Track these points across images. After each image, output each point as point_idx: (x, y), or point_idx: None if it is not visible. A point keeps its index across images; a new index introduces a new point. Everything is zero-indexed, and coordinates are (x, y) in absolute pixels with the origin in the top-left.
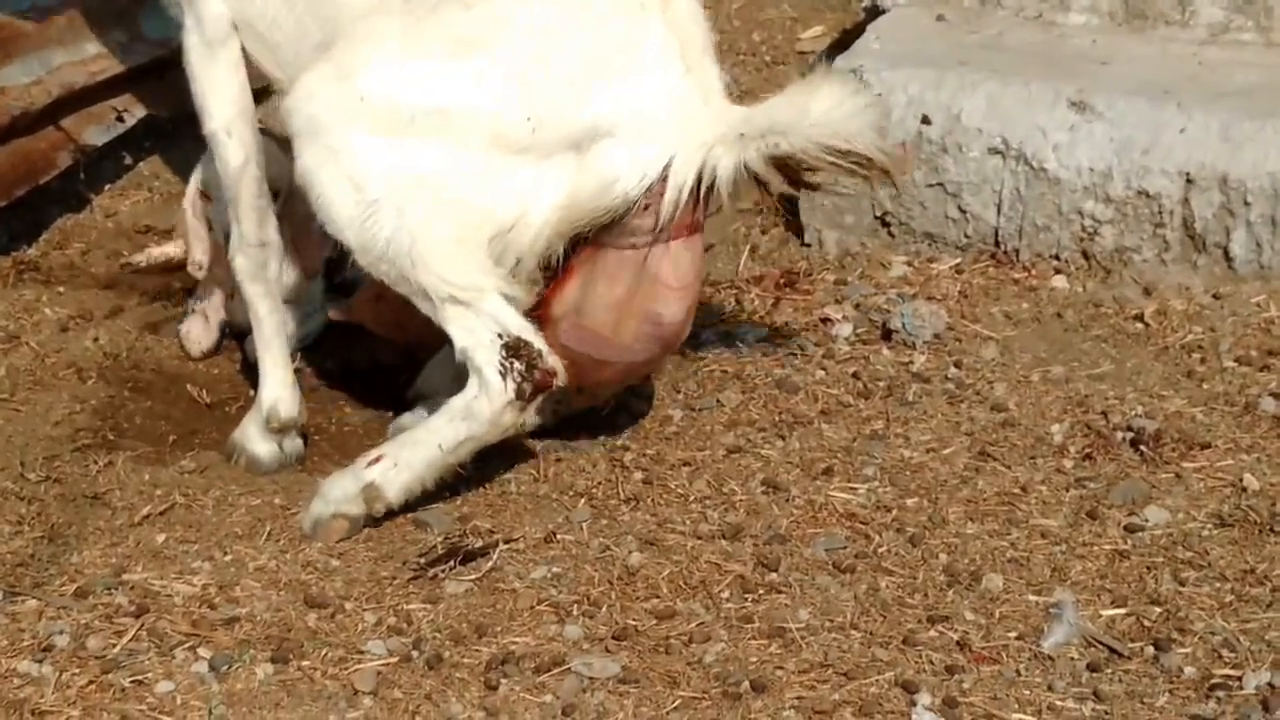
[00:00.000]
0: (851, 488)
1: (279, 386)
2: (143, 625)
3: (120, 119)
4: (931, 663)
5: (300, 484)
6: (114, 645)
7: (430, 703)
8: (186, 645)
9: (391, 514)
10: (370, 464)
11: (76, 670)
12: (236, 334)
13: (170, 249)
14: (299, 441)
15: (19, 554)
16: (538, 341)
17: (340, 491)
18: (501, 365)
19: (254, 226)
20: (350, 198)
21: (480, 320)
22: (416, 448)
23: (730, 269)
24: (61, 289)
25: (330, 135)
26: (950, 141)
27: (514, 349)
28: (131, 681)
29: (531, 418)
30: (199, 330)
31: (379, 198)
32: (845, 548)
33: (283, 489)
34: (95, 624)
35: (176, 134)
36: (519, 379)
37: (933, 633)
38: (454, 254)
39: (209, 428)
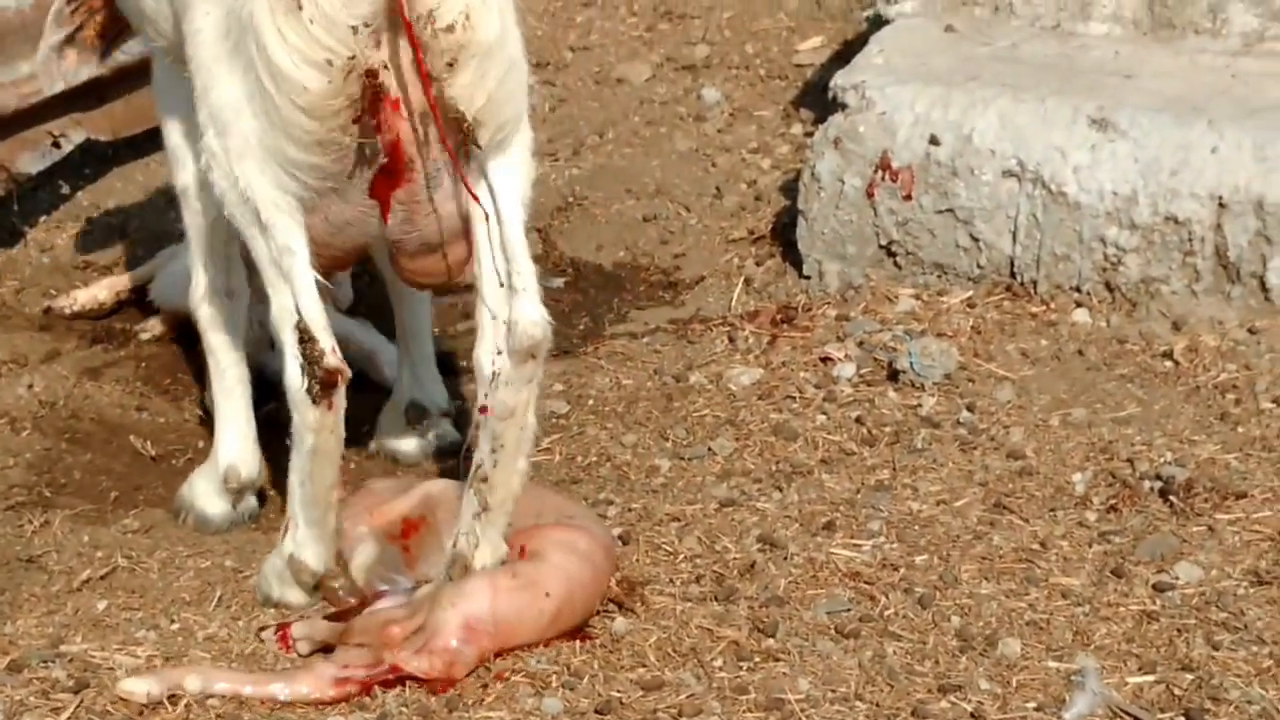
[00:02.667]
0: (855, 544)
1: (239, 442)
2: (81, 702)
3: (57, 145)
4: None
5: (254, 544)
6: None
7: None
8: None
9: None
10: (283, 534)
11: None
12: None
13: (99, 292)
14: (254, 500)
15: None
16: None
17: (273, 571)
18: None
19: (222, 275)
20: None
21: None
22: (291, 495)
23: (722, 303)
24: None
25: None
26: (961, 164)
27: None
28: None
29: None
30: None
31: None
32: (849, 610)
33: (234, 549)
34: (30, 700)
35: (117, 159)
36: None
37: (944, 703)
38: None
39: (154, 482)
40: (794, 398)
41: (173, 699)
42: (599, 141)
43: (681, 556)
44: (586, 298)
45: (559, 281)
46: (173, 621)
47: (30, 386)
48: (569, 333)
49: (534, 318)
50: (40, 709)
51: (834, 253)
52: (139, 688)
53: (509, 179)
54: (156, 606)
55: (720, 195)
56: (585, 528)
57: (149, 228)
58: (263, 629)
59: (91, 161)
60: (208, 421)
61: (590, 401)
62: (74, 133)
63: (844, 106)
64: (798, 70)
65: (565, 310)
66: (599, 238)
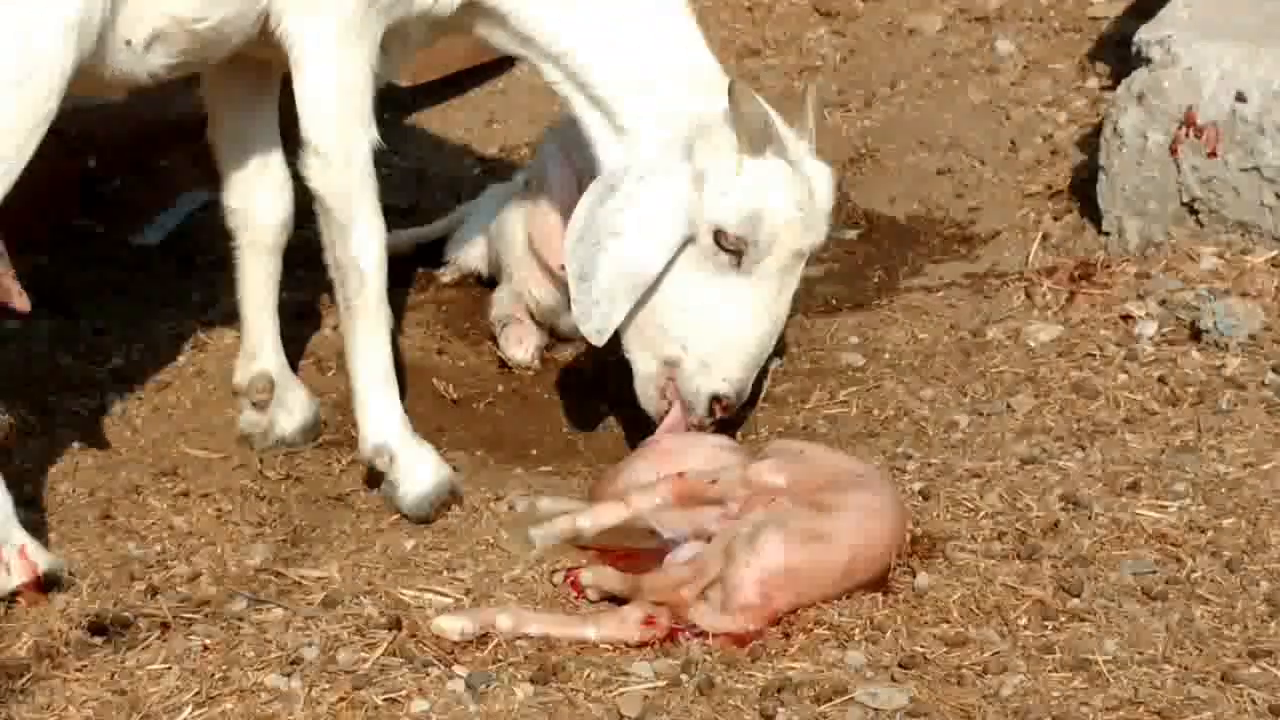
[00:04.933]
0: (1161, 505)
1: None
2: (395, 639)
3: None
4: (1254, 702)
5: (553, 488)
6: (365, 659)
7: None
8: (442, 662)
9: None
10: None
11: (326, 685)
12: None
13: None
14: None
15: (261, 558)
16: None
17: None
18: None
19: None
20: None
21: None
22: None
23: (1019, 259)
24: None
25: None
26: (1268, 121)
27: None
28: (384, 699)
29: None
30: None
31: None
32: (1155, 572)
33: (534, 492)
34: (345, 636)
35: (415, 105)
36: None
37: (1255, 669)
38: None
39: (455, 425)
40: (1094, 355)
41: (482, 639)
42: (890, 93)
43: (983, 513)
44: (880, 250)
45: (852, 233)
46: (478, 563)
47: (335, 328)
48: (863, 285)
49: None
50: (355, 644)
51: (1135, 209)
52: (453, 625)
53: None
54: (462, 548)
55: (1015, 149)
56: (877, 484)
57: (446, 173)
58: (554, 572)
59: (389, 107)
60: (506, 366)
61: (886, 355)
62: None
63: (1148, 61)
64: (1092, 24)
65: (859, 262)
66: (892, 190)
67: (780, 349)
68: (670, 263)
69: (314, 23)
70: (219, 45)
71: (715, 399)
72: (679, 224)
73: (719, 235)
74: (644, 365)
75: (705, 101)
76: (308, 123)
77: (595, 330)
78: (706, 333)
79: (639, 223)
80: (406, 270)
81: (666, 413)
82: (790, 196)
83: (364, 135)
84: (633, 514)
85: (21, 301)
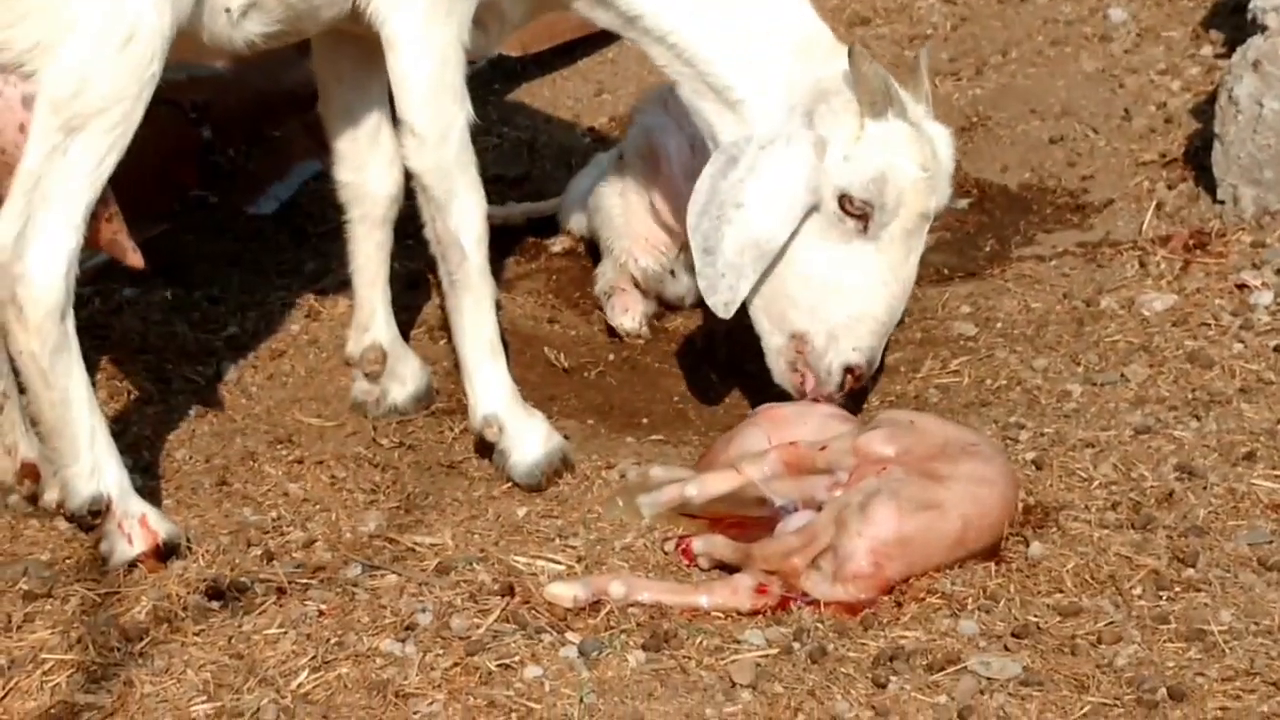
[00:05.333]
0: (1277, 475)
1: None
2: (508, 605)
3: (471, 62)
4: None
5: (664, 456)
6: (479, 626)
7: (814, 699)
8: (554, 628)
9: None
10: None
11: (440, 651)
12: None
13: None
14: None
15: (375, 525)
16: None
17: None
18: None
19: None
20: None
21: None
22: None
23: (1133, 227)
24: None
25: None
26: None
27: None
28: (498, 665)
29: None
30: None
31: None
32: (1271, 542)
33: (644, 461)
34: (459, 602)
35: (525, 75)
36: None
37: None
38: None
39: (567, 393)
40: (1209, 324)
41: (594, 605)
42: (1002, 61)
43: (1097, 483)
44: (992, 219)
45: (964, 202)
46: (590, 531)
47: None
48: (975, 254)
49: None
50: (469, 610)
51: (1250, 177)
52: (566, 592)
53: None
54: (574, 515)
55: (1129, 117)
56: (988, 454)
57: (556, 143)
58: (666, 540)
59: (500, 77)
60: (616, 335)
61: (999, 324)
62: None
63: (1264, 29)
64: None
65: (970, 231)
66: (1004, 158)
67: None
68: (795, 233)
69: (402, 2)
70: (311, 17)
71: (848, 370)
72: (803, 192)
73: (844, 200)
74: (773, 339)
75: (820, 68)
76: (401, 102)
77: (722, 303)
78: (835, 302)
79: (762, 193)
80: (517, 240)
81: (801, 386)
82: (914, 157)
83: (459, 112)
84: (743, 482)
85: (135, 259)
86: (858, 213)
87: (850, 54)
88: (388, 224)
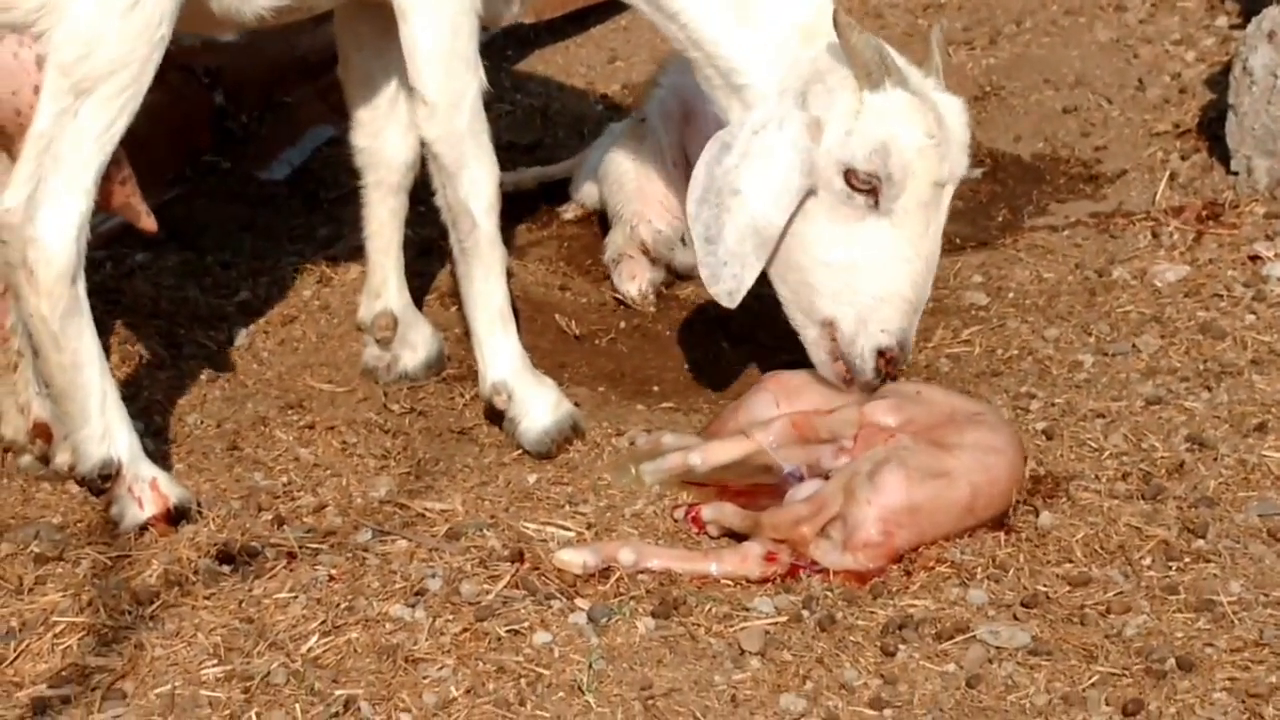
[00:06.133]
0: None
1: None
2: (518, 571)
3: (485, 28)
4: None
5: (675, 425)
6: (488, 591)
7: (822, 667)
8: (564, 594)
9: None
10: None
11: (450, 616)
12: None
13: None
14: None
15: (386, 490)
16: None
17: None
18: None
19: None
20: None
21: None
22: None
23: (1146, 198)
24: None
25: None
26: None
27: None
28: (507, 630)
29: None
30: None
31: None
32: None
33: (654, 427)
34: (468, 567)
35: (538, 42)
36: None
37: None
38: None
39: (578, 361)
40: (1221, 296)
41: (604, 572)
42: (1016, 30)
43: (1107, 453)
44: (1005, 189)
45: (977, 172)
46: (600, 498)
47: None
48: (987, 224)
49: None
50: (478, 576)
51: (1264, 149)
52: (575, 559)
53: None
54: (584, 482)
55: (1143, 87)
56: (994, 423)
57: (569, 110)
58: (675, 507)
59: (513, 44)
60: (626, 305)
61: (1010, 294)
62: None
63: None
64: None
65: (983, 201)
66: (1017, 128)
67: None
68: (811, 218)
69: None
70: None
71: (880, 354)
72: (796, 175)
73: (850, 176)
74: (809, 332)
75: (819, 49)
76: (413, 71)
77: (726, 293)
78: (857, 284)
79: (756, 178)
80: (530, 206)
81: (845, 376)
82: (917, 124)
83: (472, 80)
84: (750, 449)
85: (149, 222)
86: (865, 187)
87: (837, 26)
88: (403, 191)
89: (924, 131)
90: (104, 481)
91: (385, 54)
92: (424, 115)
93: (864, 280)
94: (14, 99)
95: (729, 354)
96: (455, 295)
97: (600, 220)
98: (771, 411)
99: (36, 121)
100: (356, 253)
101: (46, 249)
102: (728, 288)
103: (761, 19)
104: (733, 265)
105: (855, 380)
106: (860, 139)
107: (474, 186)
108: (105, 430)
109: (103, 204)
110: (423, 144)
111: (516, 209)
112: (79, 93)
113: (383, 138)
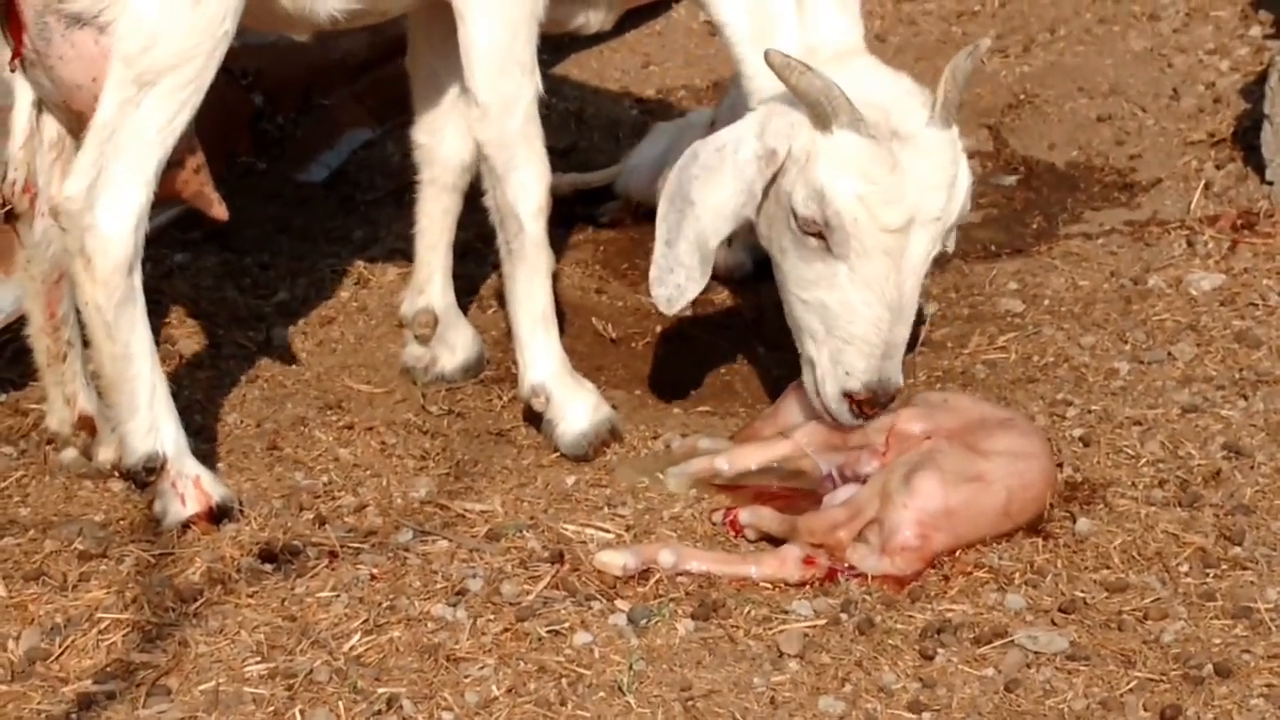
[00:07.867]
0: None
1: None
2: (558, 572)
3: None
4: None
5: (711, 428)
6: (529, 592)
7: (861, 670)
8: (604, 596)
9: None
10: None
11: (491, 616)
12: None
13: None
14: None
15: (425, 491)
16: None
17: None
18: None
19: None
20: None
21: None
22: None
23: (1180, 207)
24: None
25: None
26: None
27: None
28: (548, 631)
29: None
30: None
31: None
32: None
33: (691, 431)
34: (509, 568)
35: (572, 47)
36: None
37: None
38: None
39: (614, 364)
40: (1256, 305)
41: (643, 574)
42: (1050, 39)
43: (1144, 460)
44: (1039, 196)
45: (1011, 179)
46: (638, 501)
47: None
48: (1022, 231)
49: None
50: (519, 577)
51: None
52: (616, 560)
53: None
54: (622, 484)
55: (1177, 96)
56: (1024, 428)
57: (604, 114)
58: (713, 511)
59: (548, 48)
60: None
61: (1046, 301)
62: None
63: None
64: None
65: (1017, 208)
66: (1051, 136)
67: (927, 293)
68: (790, 256)
69: None
70: None
71: (847, 396)
72: (735, 200)
73: (793, 217)
74: (804, 365)
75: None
76: (468, 73)
77: (665, 298)
78: (828, 324)
79: (706, 192)
80: (566, 211)
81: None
82: (858, 170)
83: (527, 85)
84: (791, 450)
85: (220, 210)
86: (810, 231)
87: (773, 67)
88: (457, 191)
89: (864, 178)
90: (148, 475)
91: (453, 54)
92: (476, 117)
93: (831, 321)
94: (94, 85)
95: (765, 359)
96: (493, 298)
97: (638, 220)
98: (800, 417)
99: (100, 111)
100: (394, 255)
101: (105, 238)
102: (668, 294)
103: (778, 37)
104: (678, 274)
105: (836, 420)
106: (801, 183)
107: (523, 190)
108: (152, 424)
109: (178, 192)
110: (476, 145)
111: (552, 214)
112: (142, 84)
113: (440, 135)
